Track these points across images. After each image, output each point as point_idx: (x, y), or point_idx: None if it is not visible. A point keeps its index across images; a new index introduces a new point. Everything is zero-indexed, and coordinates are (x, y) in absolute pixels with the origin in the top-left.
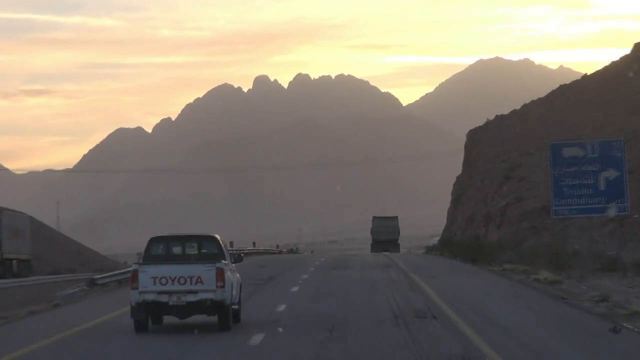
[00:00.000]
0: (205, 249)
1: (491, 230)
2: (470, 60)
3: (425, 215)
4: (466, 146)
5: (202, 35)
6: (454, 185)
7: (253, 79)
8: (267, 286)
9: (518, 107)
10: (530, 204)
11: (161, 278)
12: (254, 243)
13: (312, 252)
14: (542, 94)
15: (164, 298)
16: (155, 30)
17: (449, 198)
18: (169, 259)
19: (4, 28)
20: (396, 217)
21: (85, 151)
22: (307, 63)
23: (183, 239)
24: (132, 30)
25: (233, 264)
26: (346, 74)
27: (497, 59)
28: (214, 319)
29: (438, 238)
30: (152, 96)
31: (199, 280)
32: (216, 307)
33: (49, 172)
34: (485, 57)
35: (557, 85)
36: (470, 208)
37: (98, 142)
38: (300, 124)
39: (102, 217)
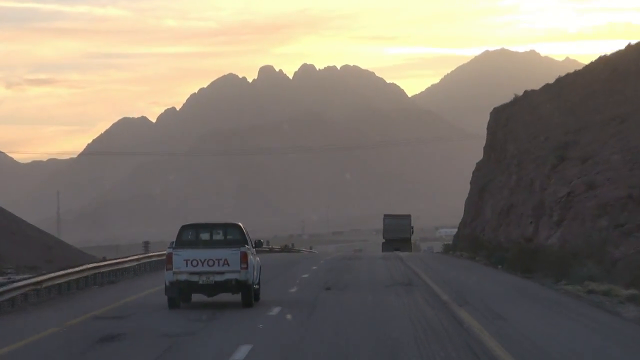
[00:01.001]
0: (230, 235)
1: (545, 228)
2: (476, 51)
3: (431, 207)
4: (489, 127)
5: (207, 25)
6: (474, 172)
7: (258, 69)
8: None
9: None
10: (608, 193)
11: (192, 260)
12: None
13: (311, 248)
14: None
15: (194, 278)
16: (160, 20)
17: (455, 189)
18: (198, 244)
19: (8, 17)
20: (409, 216)
21: (90, 140)
22: (312, 54)
23: (210, 227)
24: (137, 20)
25: (254, 249)
26: (352, 64)
27: (503, 50)
28: (237, 297)
29: (446, 230)
30: (156, 86)
31: (225, 262)
32: (240, 286)
33: (53, 162)
34: (491, 48)
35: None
36: (503, 199)
37: (102, 132)
38: (305, 114)
39: (106, 206)
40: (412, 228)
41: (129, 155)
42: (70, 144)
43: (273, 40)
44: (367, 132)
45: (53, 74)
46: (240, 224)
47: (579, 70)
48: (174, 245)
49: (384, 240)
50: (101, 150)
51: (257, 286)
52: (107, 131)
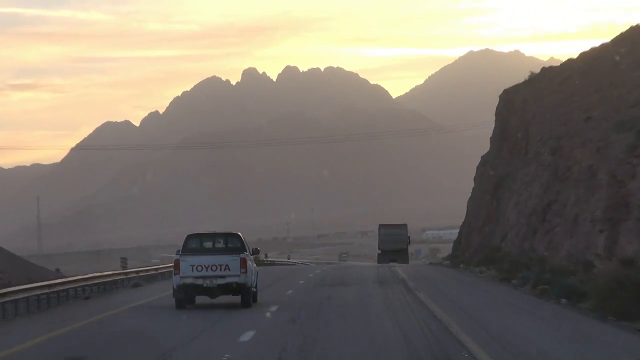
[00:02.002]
0: (231, 243)
1: (634, 238)
2: (460, 52)
3: (416, 208)
4: (498, 114)
5: (190, 28)
6: (480, 167)
7: (241, 72)
8: None
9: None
10: None
11: (197, 266)
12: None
13: (289, 258)
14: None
15: (199, 281)
16: (143, 23)
17: (441, 189)
18: (202, 251)
19: None
20: (405, 225)
21: (73, 145)
22: (295, 56)
23: (213, 236)
24: (120, 24)
25: (252, 256)
26: (335, 66)
27: (487, 50)
28: (237, 298)
29: (433, 232)
30: (140, 90)
31: (227, 267)
32: (240, 288)
33: (36, 167)
34: (475, 48)
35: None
36: (534, 197)
37: (85, 136)
38: (289, 116)
39: (90, 210)
40: (409, 238)
41: (112, 158)
42: (54, 148)
43: (256, 43)
44: (352, 132)
45: (36, 78)
46: (240, 234)
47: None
48: (180, 253)
49: (379, 252)
50: (85, 155)
51: (254, 289)
52: (90, 135)
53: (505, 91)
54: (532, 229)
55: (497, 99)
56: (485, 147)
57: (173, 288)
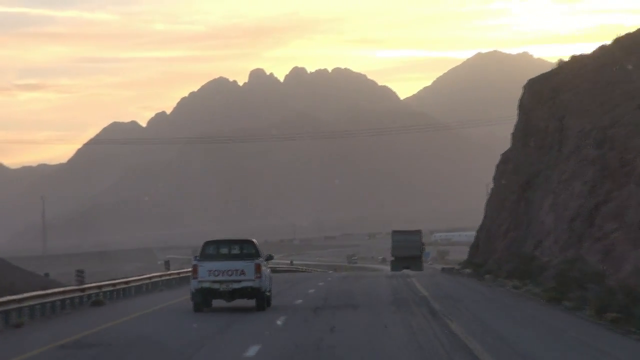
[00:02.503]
0: (246, 249)
1: None
2: (468, 54)
3: (424, 210)
4: (522, 106)
5: (197, 29)
6: (500, 166)
7: (248, 73)
8: None
9: (516, 100)
10: None
11: (214, 271)
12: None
13: (291, 263)
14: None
15: (216, 285)
16: (150, 24)
17: (447, 192)
18: (219, 257)
19: None
20: (419, 232)
21: (80, 146)
22: (303, 57)
23: (229, 242)
24: (127, 24)
25: (266, 262)
26: (343, 67)
27: (496, 52)
28: (252, 302)
29: (441, 235)
30: (147, 90)
31: (242, 272)
32: (255, 292)
33: (43, 167)
34: (484, 50)
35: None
36: (577, 198)
37: (92, 137)
38: (296, 117)
39: (95, 211)
40: (423, 245)
41: (119, 159)
42: (60, 149)
43: (264, 44)
44: (359, 134)
45: (43, 79)
46: (254, 240)
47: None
48: (198, 258)
49: (392, 258)
50: (91, 155)
51: (268, 293)
52: (97, 136)
53: (531, 81)
54: (576, 236)
55: (505, 100)
56: (494, 148)
57: (191, 292)
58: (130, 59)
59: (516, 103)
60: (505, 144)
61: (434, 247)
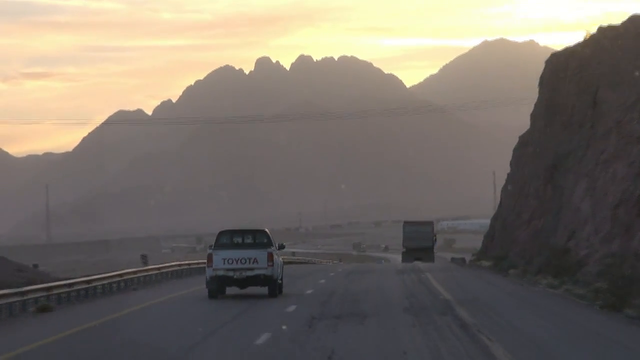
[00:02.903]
0: (258, 239)
1: None
2: (475, 42)
3: (430, 198)
4: (544, 82)
5: (203, 17)
6: (517, 150)
7: (254, 61)
8: None
9: (522, 89)
10: None
11: (228, 259)
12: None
13: (293, 254)
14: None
15: (230, 273)
16: (156, 13)
17: (453, 180)
18: (233, 246)
19: (4, 11)
20: (431, 223)
21: (85, 134)
22: (309, 45)
23: (242, 232)
24: (133, 13)
25: (278, 250)
26: (349, 55)
27: (502, 40)
28: (264, 289)
29: (447, 223)
30: (153, 79)
31: (255, 260)
32: (267, 280)
33: (48, 155)
34: (490, 38)
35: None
36: (621, 182)
37: (98, 125)
38: (302, 106)
39: (101, 200)
40: (435, 236)
41: (125, 147)
42: (66, 137)
43: (269, 32)
44: (366, 123)
45: (49, 67)
46: (267, 230)
47: None
48: (213, 247)
49: (403, 250)
50: (97, 144)
51: (280, 281)
52: (103, 124)
53: (553, 56)
54: (622, 225)
55: (512, 90)
56: (499, 137)
57: (206, 279)
58: (136, 48)
59: (522, 90)
60: (511, 131)
61: (441, 235)
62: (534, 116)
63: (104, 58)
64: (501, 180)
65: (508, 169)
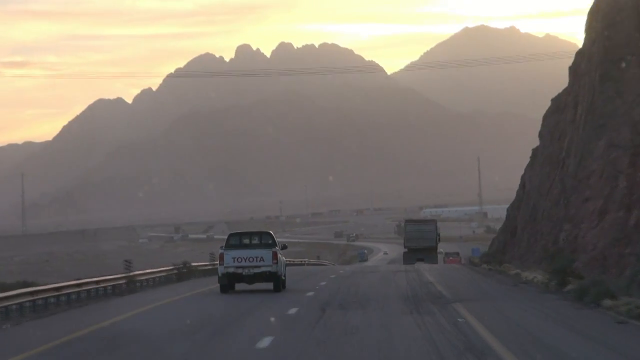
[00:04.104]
0: (264, 240)
1: None
2: (456, 28)
3: (412, 187)
4: (593, 26)
5: (184, 6)
6: (551, 115)
7: (235, 49)
8: None
9: (504, 75)
10: None
11: (238, 258)
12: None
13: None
14: (528, 62)
15: (239, 270)
16: (136, 1)
17: (434, 168)
18: (241, 246)
19: None
20: (434, 221)
21: (65, 123)
22: (289, 32)
23: (249, 234)
24: (113, 1)
25: (281, 250)
26: (330, 42)
27: (483, 27)
28: (269, 285)
29: (431, 211)
30: (133, 67)
31: (261, 259)
32: (272, 276)
33: (28, 145)
34: (471, 25)
35: (543, 54)
36: None
37: (78, 114)
38: (284, 93)
39: (82, 189)
40: (439, 235)
41: (105, 137)
42: (46, 126)
43: (250, 20)
44: (347, 109)
45: (29, 56)
46: (271, 232)
47: None
48: (224, 248)
49: (405, 250)
50: (77, 132)
51: (284, 277)
52: (83, 112)
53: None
54: None
55: (492, 76)
56: (481, 124)
57: (218, 276)
58: (116, 36)
59: (503, 77)
60: (493, 118)
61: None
62: (572, 70)
63: (84, 47)
64: (487, 166)
65: (492, 155)
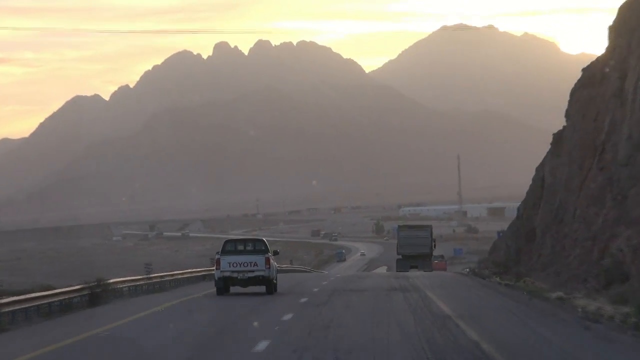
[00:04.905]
0: (257, 246)
1: None
2: (434, 26)
3: (390, 185)
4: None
5: (161, 3)
6: (579, 91)
7: (213, 46)
8: None
9: (483, 73)
10: None
11: (233, 263)
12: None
13: (291, 262)
14: (506, 61)
15: (234, 274)
16: None
17: (412, 166)
18: (236, 252)
19: None
20: (429, 227)
21: (42, 119)
22: (267, 30)
23: (244, 241)
24: None
25: (273, 255)
26: (308, 40)
27: (461, 25)
28: (262, 288)
29: (409, 209)
30: (111, 64)
31: (255, 264)
32: (265, 280)
33: (5, 141)
34: (449, 23)
35: (521, 53)
36: None
37: (55, 110)
38: (262, 90)
39: (59, 186)
40: (434, 241)
41: (82, 134)
42: (23, 123)
43: (228, 17)
44: (325, 107)
45: (7, 53)
46: (264, 239)
47: None
48: (220, 253)
49: (399, 257)
50: (55, 129)
51: (275, 281)
52: (60, 109)
53: (628, 2)
54: None
55: (471, 74)
56: (459, 123)
57: (214, 280)
58: (95, 33)
59: (482, 75)
60: (473, 117)
61: (402, 222)
62: (619, 25)
63: (62, 43)
64: (465, 165)
65: (470, 154)
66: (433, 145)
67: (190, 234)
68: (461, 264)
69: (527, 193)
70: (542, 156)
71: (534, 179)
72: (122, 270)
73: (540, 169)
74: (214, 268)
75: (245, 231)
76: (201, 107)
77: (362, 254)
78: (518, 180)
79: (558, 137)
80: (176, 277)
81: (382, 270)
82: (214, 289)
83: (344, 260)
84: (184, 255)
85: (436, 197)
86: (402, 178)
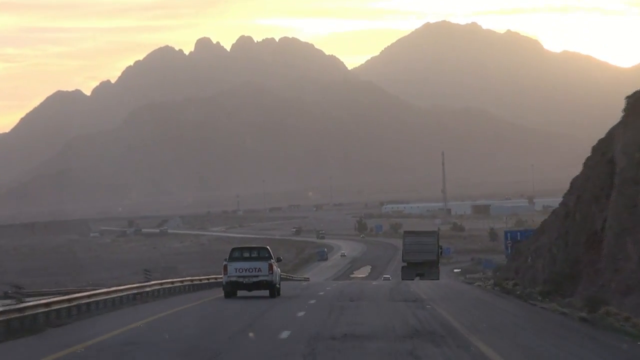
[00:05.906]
0: (262, 253)
1: None
2: (417, 24)
3: (373, 182)
4: None
5: None
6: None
7: (195, 42)
8: None
9: (466, 71)
10: None
11: (239, 268)
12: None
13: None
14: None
15: (241, 279)
16: None
17: (394, 163)
18: (242, 258)
19: None
20: (435, 232)
21: (23, 115)
22: (249, 26)
23: (249, 248)
24: None
25: (276, 262)
26: (290, 37)
27: (444, 22)
28: (266, 292)
29: (392, 207)
30: (92, 60)
31: (259, 270)
32: (268, 284)
33: None
34: (432, 21)
35: (504, 50)
36: None
37: (36, 105)
38: (243, 86)
39: (38, 181)
40: (441, 248)
41: (63, 128)
42: (3, 119)
43: (210, 13)
44: (307, 104)
45: None
46: (268, 247)
47: None
48: (227, 260)
49: (404, 264)
50: (35, 124)
51: (278, 286)
52: (41, 104)
53: None
54: None
55: (453, 71)
56: (442, 120)
57: (222, 284)
58: (76, 29)
59: (465, 72)
60: (456, 114)
61: (386, 220)
62: None
63: (43, 39)
64: (448, 162)
65: (453, 151)
66: (415, 142)
67: (169, 231)
68: (450, 264)
69: (574, 183)
70: (527, 154)
71: (587, 164)
72: (99, 269)
73: (602, 147)
74: (222, 274)
75: (225, 228)
76: (183, 103)
77: (343, 255)
78: (500, 178)
79: (632, 102)
80: (165, 286)
81: (367, 270)
82: (222, 294)
83: (326, 259)
84: (161, 252)
85: (418, 194)
86: (384, 175)
